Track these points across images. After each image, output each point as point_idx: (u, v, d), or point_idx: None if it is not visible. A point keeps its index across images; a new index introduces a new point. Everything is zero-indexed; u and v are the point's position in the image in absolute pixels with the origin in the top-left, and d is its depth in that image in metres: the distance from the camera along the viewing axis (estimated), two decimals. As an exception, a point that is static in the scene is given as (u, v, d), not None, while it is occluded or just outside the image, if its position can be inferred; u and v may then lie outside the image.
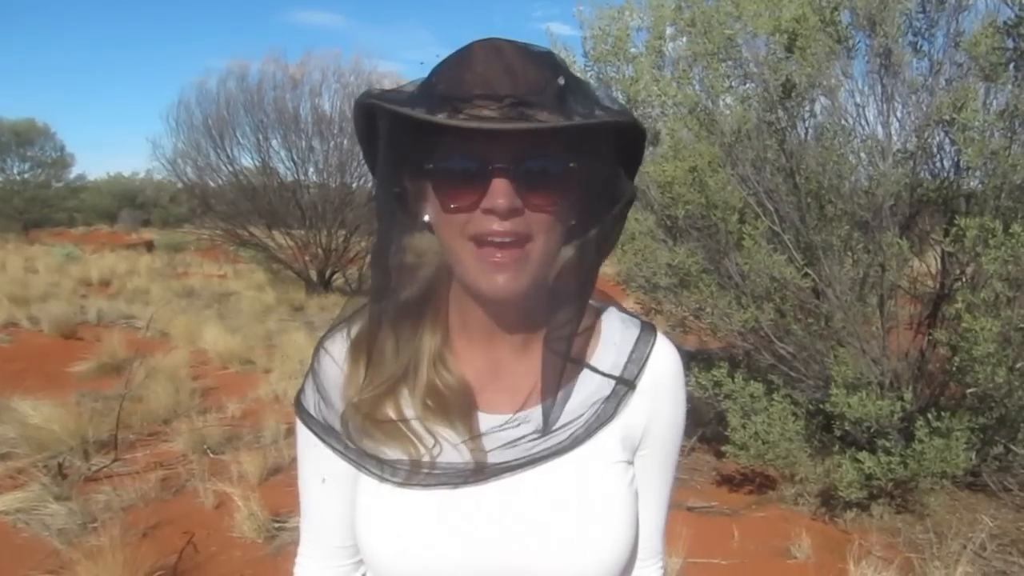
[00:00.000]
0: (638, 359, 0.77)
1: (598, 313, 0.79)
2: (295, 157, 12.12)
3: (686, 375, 0.84)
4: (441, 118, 0.62)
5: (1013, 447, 3.37)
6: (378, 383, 0.74)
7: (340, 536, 0.79)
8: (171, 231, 23.78)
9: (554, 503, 0.71)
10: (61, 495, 3.49)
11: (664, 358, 0.78)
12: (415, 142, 0.66)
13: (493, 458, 0.71)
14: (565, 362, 0.73)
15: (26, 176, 27.18)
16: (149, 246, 21.46)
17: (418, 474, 0.71)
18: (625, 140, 0.71)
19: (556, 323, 0.74)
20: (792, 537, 3.05)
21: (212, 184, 12.59)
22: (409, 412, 0.74)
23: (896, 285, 3.40)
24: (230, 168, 12.28)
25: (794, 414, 3.38)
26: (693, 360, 3.86)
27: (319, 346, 0.79)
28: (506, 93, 0.62)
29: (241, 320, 8.99)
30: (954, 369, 3.07)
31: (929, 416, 3.06)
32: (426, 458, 0.72)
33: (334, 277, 12.36)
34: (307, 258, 12.30)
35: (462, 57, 0.65)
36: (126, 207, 30.31)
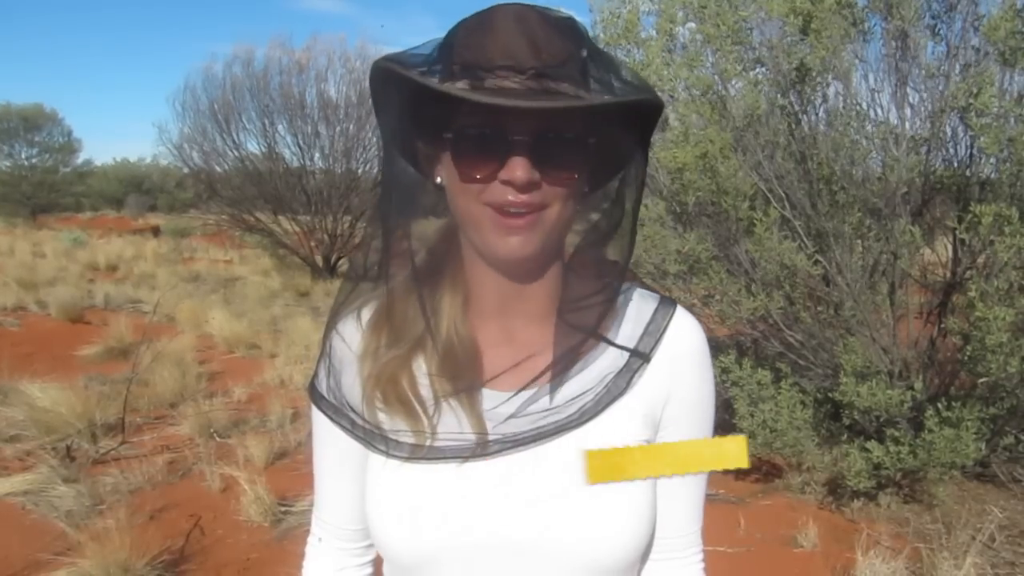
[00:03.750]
0: (654, 331, 0.74)
1: (617, 289, 0.77)
2: (301, 142, 12.11)
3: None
4: (462, 87, 0.61)
5: (1023, 438, 3.35)
6: (400, 345, 0.73)
7: (351, 519, 0.79)
8: (177, 216, 23.85)
9: (562, 480, 0.69)
10: (69, 478, 3.51)
11: (683, 331, 0.76)
12: (433, 109, 0.65)
13: (501, 432, 0.70)
14: (578, 335, 0.72)
15: (34, 161, 27.22)
16: (155, 231, 21.51)
17: (423, 449, 0.70)
18: (642, 115, 0.69)
19: (572, 296, 0.73)
20: (799, 526, 3.04)
21: (218, 169, 12.60)
22: (423, 383, 0.73)
23: (907, 273, 3.36)
24: (236, 153, 12.27)
25: (802, 402, 3.36)
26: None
27: (331, 329, 0.77)
28: (529, 65, 0.60)
29: (247, 305, 9.01)
30: (965, 358, 3.04)
31: (939, 405, 3.04)
32: (432, 433, 0.70)
33: (340, 263, 12.36)
34: (313, 244, 12.31)
35: (483, 23, 0.63)
36: (133, 192, 30.37)
